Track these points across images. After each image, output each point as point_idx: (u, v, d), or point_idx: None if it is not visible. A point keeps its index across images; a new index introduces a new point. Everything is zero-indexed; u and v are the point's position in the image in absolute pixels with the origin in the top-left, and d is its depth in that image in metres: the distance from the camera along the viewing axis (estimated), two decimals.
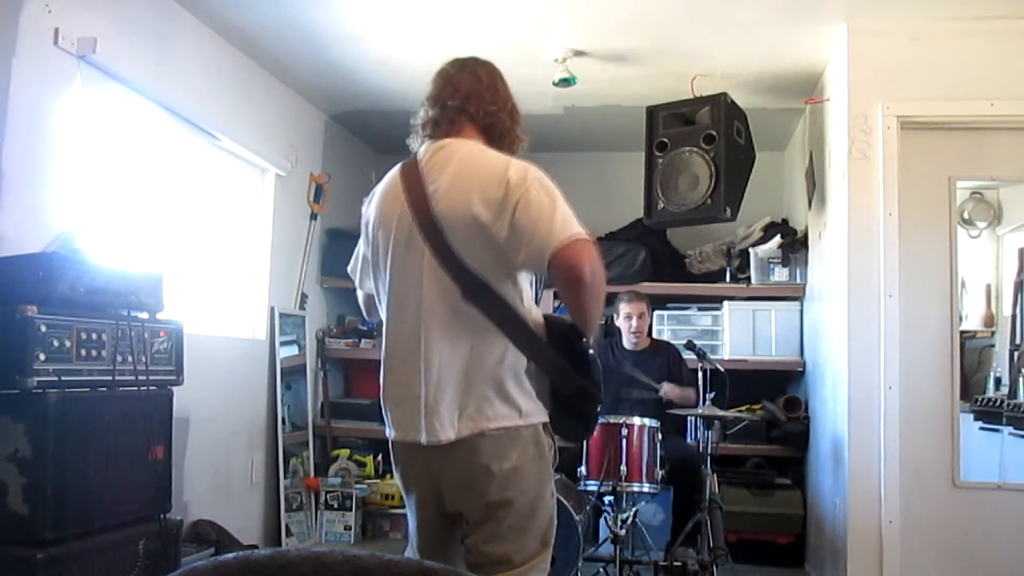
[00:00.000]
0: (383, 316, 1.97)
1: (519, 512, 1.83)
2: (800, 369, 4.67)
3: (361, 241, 2.06)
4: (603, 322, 5.13)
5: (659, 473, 3.49)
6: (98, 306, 2.46)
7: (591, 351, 1.87)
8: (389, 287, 1.92)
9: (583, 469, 3.51)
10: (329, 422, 4.94)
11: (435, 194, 1.83)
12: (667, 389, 4.09)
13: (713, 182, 3.83)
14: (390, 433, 1.94)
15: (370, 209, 2.00)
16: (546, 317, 1.92)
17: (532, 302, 1.92)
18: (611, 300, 4.47)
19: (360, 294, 2.16)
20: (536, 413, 1.86)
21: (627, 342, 4.32)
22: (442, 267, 1.80)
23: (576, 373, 1.86)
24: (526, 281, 1.90)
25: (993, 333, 4.22)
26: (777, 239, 4.73)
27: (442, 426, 1.81)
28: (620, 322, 4.33)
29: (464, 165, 1.84)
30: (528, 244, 1.73)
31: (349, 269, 2.17)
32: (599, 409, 1.94)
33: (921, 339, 3.49)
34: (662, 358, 4.27)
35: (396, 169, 1.97)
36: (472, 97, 1.93)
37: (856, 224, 3.51)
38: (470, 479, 1.82)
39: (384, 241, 1.91)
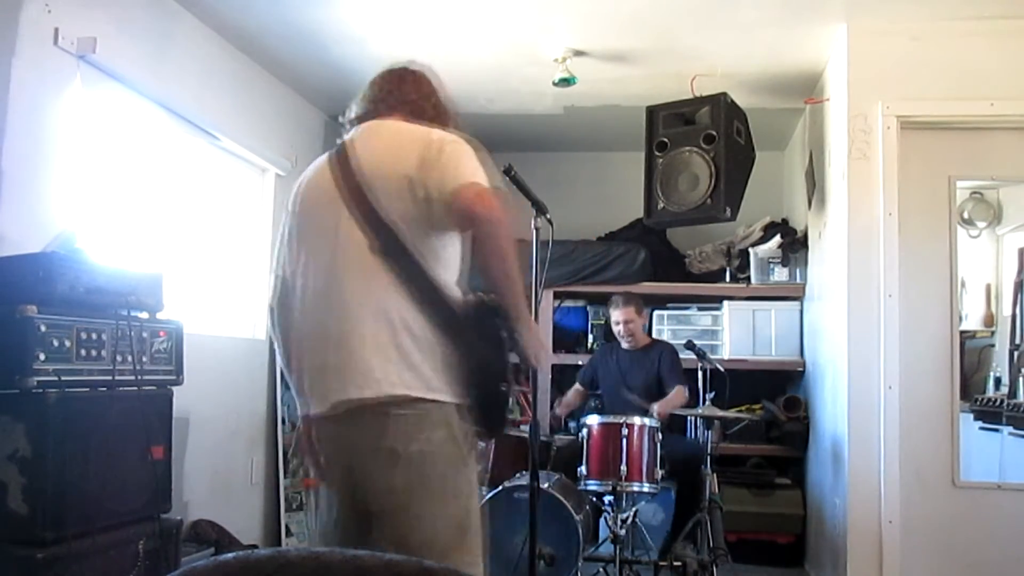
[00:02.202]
0: (292, 282, 1.92)
1: (428, 498, 1.75)
2: (800, 369, 4.67)
3: (283, 229, 2.03)
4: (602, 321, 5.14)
5: (659, 473, 3.49)
6: (98, 306, 2.45)
7: (503, 333, 1.80)
8: (305, 253, 1.90)
9: (583, 469, 3.51)
10: None
11: (361, 158, 1.87)
12: (658, 410, 3.85)
13: (713, 182, 3.83)
14: (300, 409, 1.90)
15: (295, 192, 2.01)
16: (468, 296, 1.87)
17: (457, 277, 1.89)
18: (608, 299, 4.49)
19: (271, 279, 2.06)
20: (448, 392, 1.78)
21: (623, 343, 4.35)
22: (357, 222, 1.81)
23: (481, 345, 1.79)
24: (452, 253, 1.88)
25: (993, 333, 4.23)
26: (777, 239, 4.73)
27: (345, 389, 1.76)
28: (612, 326, 4.36)
29: (392, 133, 1.92)
30: (438, 191, 1.77)
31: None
32: (505, 391, 1.85)
33: (921, 339, 3.49)
34: (654, 358, 4.24)
35: (324, 155, 2.00)
36: (394, 91, 2.01)
37: (856, 224, 3.51)
38: (376, 462, 1.76)
39: (304, 212, 1.94)
